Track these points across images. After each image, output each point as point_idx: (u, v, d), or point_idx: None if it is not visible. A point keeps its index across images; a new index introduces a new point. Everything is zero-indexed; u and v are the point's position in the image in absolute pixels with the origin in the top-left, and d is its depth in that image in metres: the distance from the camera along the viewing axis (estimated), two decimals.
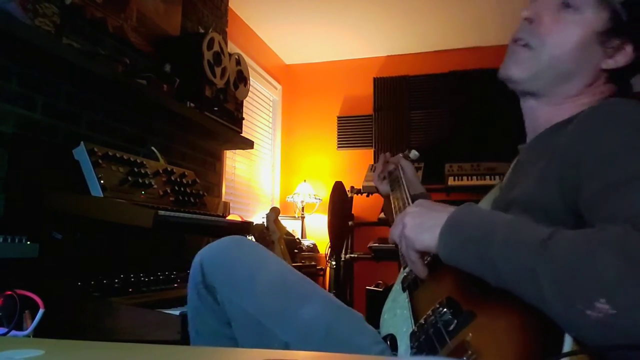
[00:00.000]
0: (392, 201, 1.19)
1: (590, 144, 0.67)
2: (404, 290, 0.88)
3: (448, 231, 0.66)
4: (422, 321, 0.71)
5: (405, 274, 0.91)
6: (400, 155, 1.37)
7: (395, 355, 0.75)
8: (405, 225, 0.73)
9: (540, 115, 0.86)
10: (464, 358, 0.55)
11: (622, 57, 0.79)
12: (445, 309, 0.66)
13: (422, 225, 0.70)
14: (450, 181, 3.67)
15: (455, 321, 0.63)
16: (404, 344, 0.74)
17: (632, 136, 0.65)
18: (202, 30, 2.60)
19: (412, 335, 0.71)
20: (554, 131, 0.81)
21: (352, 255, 3.81)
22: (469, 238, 0.63)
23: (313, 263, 3.81)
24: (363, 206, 3.95)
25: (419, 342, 0.68)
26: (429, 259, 0.79)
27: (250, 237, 3.16)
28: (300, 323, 0.83)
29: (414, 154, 1.37)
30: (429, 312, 0.70)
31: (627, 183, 0.60)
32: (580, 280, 0.50)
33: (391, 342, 0.79)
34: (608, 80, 0.82)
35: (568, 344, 0.49)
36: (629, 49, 0.79)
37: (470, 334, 0.59)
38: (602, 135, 0.67)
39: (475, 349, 0.56)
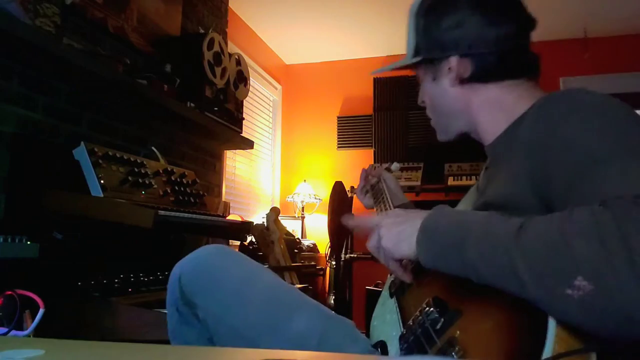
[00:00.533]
0: (376, 213, 1.19)
1: (553, 135, 0.67)
2: (391, 295, 0.88)
3: (424, 238, 0.66)
4: (410, 323, 0.71)
5: (392, 279, 0.91)
6: (383, 167, 1.37)
7: None
8: (381, 237, 0.73)
9: (487, 135, 0.89)
10: (453, 354, 0.56)
11: (456, 69, 0.86)
12: (432, 309, 0.67)
13: (398, 236, 0.70)
14: (450, 181, 3.68)
15: (442, 320, 0.64)
16: (394, 347, 0.74)
17: (592, 121, 0.66)
18: (202, 31, 2.60)
19: (401, 337, 0.72)
20: (508, 133, 0.82)
21: (352, 255, 3.81)
22: (445, 242, 0.63)
23: (313, 263, 3.81)
24: (363, 206, 3.95)
25: (408, 344, 0.68)
26: (412, 264, 0.78)
27: (250, 237, 3.16)
28: (290, 336, 0.81)
29: (395, 166, 1.39)
30: (417, 313, 0.70)
31: (593, 166, 0.61)
32: (557, 261, 0.50)
33: (382, 349, 0.79)
34: (472, 86, 0.87)
35: (551, 333, 0.49)
36: (453, 60, 0.86)
37: (458, 332, 0.60)
38: (564, 124, 0.67)
39: (462, 345, 0.57)
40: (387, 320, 0.83)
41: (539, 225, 0.54)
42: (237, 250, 3.35)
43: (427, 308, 0.68)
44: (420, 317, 0.68)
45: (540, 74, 0.88)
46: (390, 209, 1.09)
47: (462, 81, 0.86)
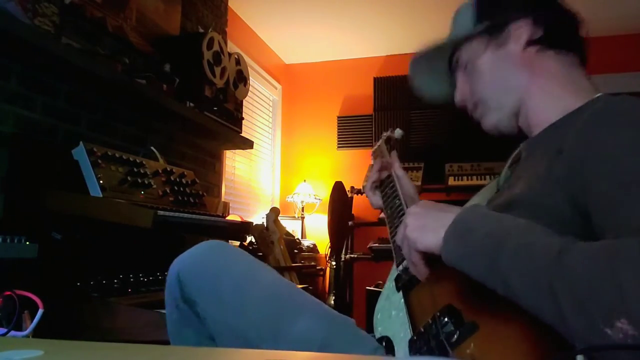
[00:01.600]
0: (385, 217, 1.07)
1: (597, 146, 0.65)
2: (398, 289, 0.85)
3: (453, 234, 0.64)
4: (421, 329, 0.69)
5: (399, 272, 0.87)
6: (394, 156, 1.21)
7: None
8: (407, 225, 0.71)
9: (535, 121, 0.86)
10: None
11: (521, 32, 0.85)
12: (446, 319, 0.64)
13: (426, 226, 0.68)
14: (451, 181, 3.67)
15: (458, 332, 0.62)
16: (402, 350, 0.72)
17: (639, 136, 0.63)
18: (201, 30, 2.60)
19: (412, 343, 0.70)
20: (556, 127, 0.80)
21: (352, 256, 3.81)
22: (476, 244, 0.61)
23: (313, 263, 3.81)
24: (363, 206, 3.95)
25: (421, 353, 0.66)
26: (424, 257, 0.77)
27: (250, 238, 3.16)
28: (293, 339, 0.79)
29: (398, 132, 1.27)
30: (429, 320, 0.68)
31: (638, 187, 0.58)
32: (601, 297, 0.48)
33: (387, 344, 0.77)
34: (539, 50, 0.85)
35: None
36: (524, 22, 0.84)
37: (472, 345, 0.58)
38: (609, 136, 0.65)
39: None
40: (392, 316, 0.81)
41: (584, 250, 0.52)
42: None
43: (442, 317, 0.65)
44: (433, 327, 0.66)
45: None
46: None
47: (531, 43, 0.85)
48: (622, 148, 0.63)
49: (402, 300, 0.81)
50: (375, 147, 1.31)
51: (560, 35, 0.85)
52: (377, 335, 0.82)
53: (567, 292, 0.50)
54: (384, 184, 1.17)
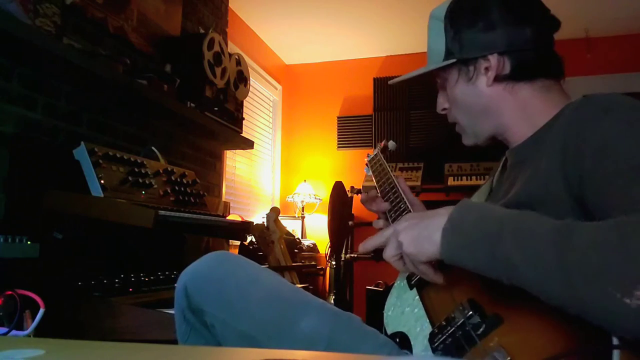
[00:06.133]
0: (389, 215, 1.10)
1: (590, 136, 0.67)
2: (411, 287, 0.86)
3: (449, 231, 0.65)
4: (443, 322, 0.69)
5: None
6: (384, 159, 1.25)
7: (406, 353, 0.75)
8: (401, 243, 0.71)
9: (515, 137, 0.89)
10: None
11: (494, 67, 0.86)
12: (471, 312, 0.65)
13: (419, 237, 0.68)
14: (450, 181, 3.68)
15: (484, 325, 0.62)
16: (419, 344, 0.73)
17: (630, 124, 0.65)
18: (202, 31, 2.60)
19: (432, 336, 0.70)
20: (536, 137, 0.83)
21: (352, 255, 3.81)
22: (474, 234, 0.62)
23: (313, 263, 3.81)
24: (363, 206, 3.95)
25: (445, 345, 0.67)
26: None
27: (250, 237, 3.16)
28: (300, 336, 0.80)
29: (392, 144, 1.31)
30: (452, 314, 0.69)
31: (633, 172, 0.60)
32: (616, 267, 0.49)
33: (401, 340, 0.78)
34: (508, 84, 0.87)
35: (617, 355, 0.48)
36: (492, 59, 0.85)
37: (498, 337, 0.59)
38: (600, 125, 0.67)
39: (510, 352, 0.56)
40: (406, 312, 0.82)
41: (590, 226, 0.53)
42: (237, 250, 3.32)
43: (465, 310, 0.66)
44: (457, 319, 0.67)
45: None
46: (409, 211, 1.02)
47: (499, 79, 0.86)
48: (615, 137, 0.65)
49: (417, 297, 0.82)
50: (372, 156, 1.34)
51: (529, 68, 0.86)
52: (390, 332, 0.83)
53: (578, 265, 0.50)
54: (387, 193, 1.21)
